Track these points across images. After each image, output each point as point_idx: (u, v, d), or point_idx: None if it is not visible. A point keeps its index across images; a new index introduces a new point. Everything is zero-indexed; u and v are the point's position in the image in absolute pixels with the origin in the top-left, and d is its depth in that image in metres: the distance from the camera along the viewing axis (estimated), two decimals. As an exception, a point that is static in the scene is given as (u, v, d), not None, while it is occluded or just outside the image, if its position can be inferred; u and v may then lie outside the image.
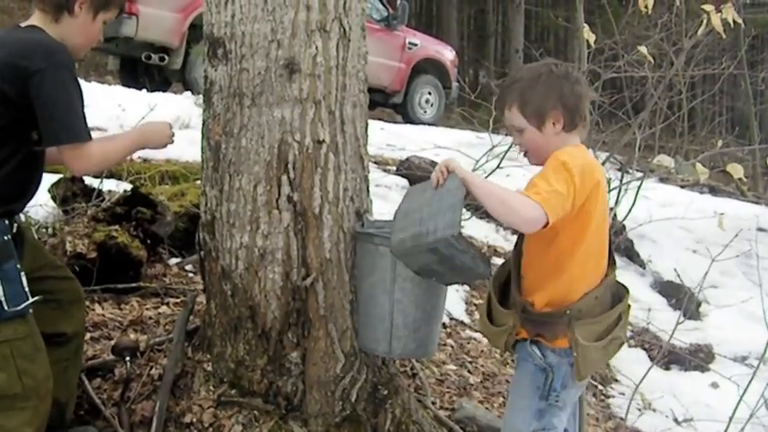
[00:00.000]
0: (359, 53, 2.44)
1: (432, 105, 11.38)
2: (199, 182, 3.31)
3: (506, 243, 5.41)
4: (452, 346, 3.71)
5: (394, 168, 6.49)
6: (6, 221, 2.03)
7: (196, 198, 3.62)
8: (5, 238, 2.01)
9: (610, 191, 5.11)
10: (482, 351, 3.76)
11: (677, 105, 7.13)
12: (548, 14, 20.18)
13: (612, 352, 2.17)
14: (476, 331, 3.91)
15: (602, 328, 2.09)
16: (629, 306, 2.21)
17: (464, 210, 2.04)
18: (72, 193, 3.64)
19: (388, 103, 11.04)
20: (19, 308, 1.98)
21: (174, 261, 3.65)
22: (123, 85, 8.74)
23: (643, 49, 4.69)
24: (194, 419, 2.41)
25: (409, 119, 11.00)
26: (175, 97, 7.56)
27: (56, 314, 2.24)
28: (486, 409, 3.14)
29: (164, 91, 8.34)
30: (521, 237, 2.22)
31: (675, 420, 3.90)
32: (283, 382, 2.43)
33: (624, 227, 5.69)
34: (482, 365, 3.61)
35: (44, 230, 3.42)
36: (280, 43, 2.30)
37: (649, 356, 4.44)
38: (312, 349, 2.42)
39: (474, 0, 24.16)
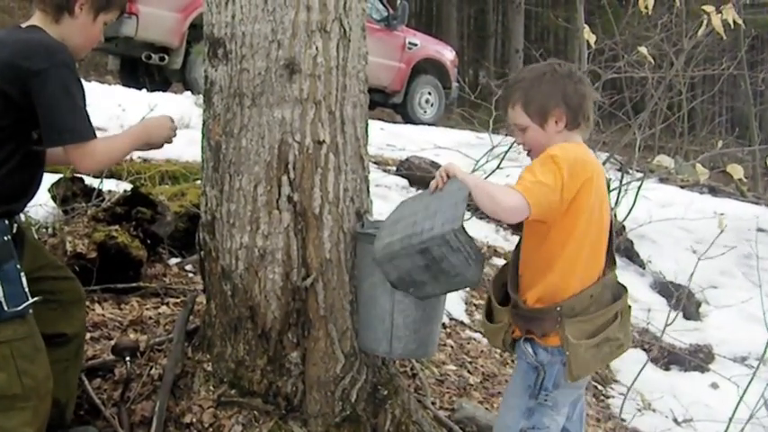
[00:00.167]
0: (359, 53, 2.44)
1: (432, 105, 11.38)
2: (199, 182, 3.31)
3: (506, 243, 5.42)
4: (452, 347, 3.71)
5: (394, 168, 6.49)
6: (6, 222, 2.03)
7: (196, 198, 3.62)
8: (5, 238, 2.00)
9: (610, 191, 5.12)
10: (482, 351, 3.76)
11: (677, 106, 7.14)
12: (548, 15, 20.19)
13: (610, 354, 2.13)
14: (475, 331, 3.92)
15: (594, 326, 2.07)
16: (629, 307, 2.20)
17: (465, 210, 2.02)
18: (72, 193, 3.64)
19: (388, 103, 11.05)
20: (19, 308, 1.98)
21: (174, 261, 3.65)
22: (123, 84, 8.74)
23: (643, 49, 4.70)
24: (194, 420, 2.41)
25: (409, 119, 11.01)
26: (175, 97, 7.56)
27: (56, 314, 2.24)
28: (486, 409, 3.14)
29: (164, 91, 8.35)
30: (521, 237, 2.23)
31: (675, 421, 3.90)
32: (283, 383, 2.43)
33: (624, 227, 5.70)
34: (482, 366, 3.61)
35: (44, 230, 3.41)
36: (280, 43, 2.30)
37: (649, 357, 4.44)
38: (312, 349, 2.42)
39: (474, 0, 24.17)
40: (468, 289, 4.40)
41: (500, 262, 4.94)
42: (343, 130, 2.39)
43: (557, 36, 23.98)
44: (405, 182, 6.09)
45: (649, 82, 5.46)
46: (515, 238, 2.35)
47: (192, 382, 2.51)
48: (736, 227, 4.93)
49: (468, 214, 5.22)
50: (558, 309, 2.05)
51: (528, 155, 2.20)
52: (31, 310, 2.02)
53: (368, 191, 2.55)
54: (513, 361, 3.50)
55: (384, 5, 10.71)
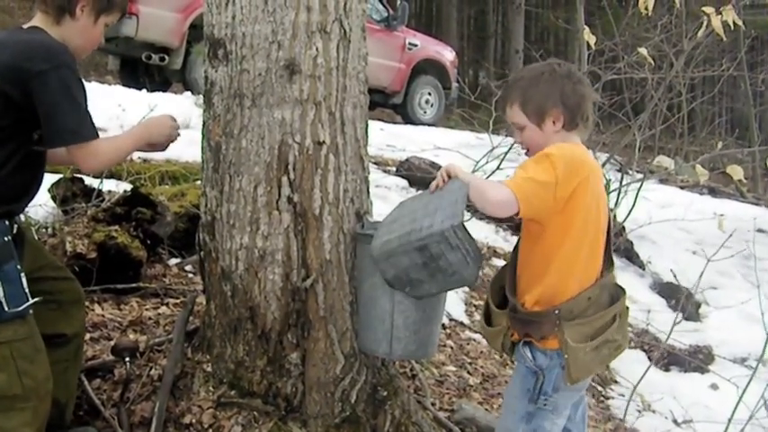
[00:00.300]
0: (359, 54, 2.44)
1: (431, 106, 11.38)
2: (199, 182, 3.31)
3: (506, 244, 5.41)
4: (452, 348, 3.71)
5: (394, 169, 6.49)
6: (6, 222, 2.03)
7: (196, 198, 3.62)
8: (6, 238, 2.00)
9: (610, 192, 5.13)
10: (482, 352, 3.76)
11: (677, 107, 7.15)
12: (548, 15, 20.20)
13: (609, 356, 2.13)
14: (475, 332, 3.92)
15: (593, 329, 2.07)
16: (627, 308, 2.19)
17: (465, 210, 2.02)
18: (72, 193, 3.64)
19: (388, 103, 11.05)
20: (19, 309, 1.98)
21: (173, 261, 3.65)
22: (123, 85, 8.75)
23: (643, 50, 4.70)
24: (194, 420, 2.41)
25: (409, 119, 11.01)
26: (175, 97, 7.56)
27: (56, 315, 2.24)
28: (486, 410, 3.14)
29: (164, 91, 8.35)
30: (519, 238, 2.23)
31: (675, 422, 3.90)
32: (283, 383, 2.44)
33: (624, 228, 5.71)
34: (482, 366, 3.61)
35: (44, 230, 3.41)
36: (280, 44, 2.30)
37: (649, 358, 4.44)
38: (312, 350, 2.42)
39: (474, 0, 24.16)
40: (467, 289, 4.40)
41: (500, 263, 4.94)
42: (343, 130, 2.39)
43: (557, 37, 23.99)
44: (405, 182, 6.09)
45: (649, 83, 5.47)
46: (515, 239, 2.35)
47: (192, 382, 2.51)
48: (735, 228, 4.92)
49: (468, 215, 5.23)
50: (557, 312, 2.05)
51: (526, 154, 2.20)
52: (31, 311, 2.02)
53: (368, 192, 2.55)
54: (513, 362, 3.50)
55: (384, 6, 10.71)
